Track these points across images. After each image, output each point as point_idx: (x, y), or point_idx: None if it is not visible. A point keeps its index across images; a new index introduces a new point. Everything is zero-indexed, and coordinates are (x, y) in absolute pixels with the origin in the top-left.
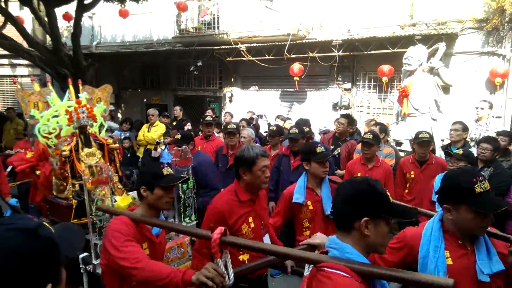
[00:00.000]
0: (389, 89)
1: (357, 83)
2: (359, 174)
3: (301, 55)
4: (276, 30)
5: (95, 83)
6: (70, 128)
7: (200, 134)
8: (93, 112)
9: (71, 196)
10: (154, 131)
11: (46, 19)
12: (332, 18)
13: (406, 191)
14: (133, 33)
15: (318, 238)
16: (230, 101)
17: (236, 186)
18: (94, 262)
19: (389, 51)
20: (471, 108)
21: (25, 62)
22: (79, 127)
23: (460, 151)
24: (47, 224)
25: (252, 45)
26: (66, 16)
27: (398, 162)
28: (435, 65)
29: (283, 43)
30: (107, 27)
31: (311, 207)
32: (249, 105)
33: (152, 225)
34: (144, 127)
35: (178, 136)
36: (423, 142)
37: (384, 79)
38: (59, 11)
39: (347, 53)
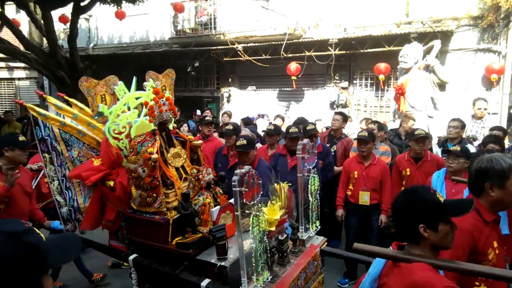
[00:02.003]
0: (385, 87)
1: (354, 82)
2: (356, 172)
3: (298, 54)
4: (273, 30)
5: None
6: (142, 124)
7: (198, 134)
8: (173, 105)
9: (164, 209)
10: None
11: (42, 21)
12: (328, 17)
13: (402, 188)
14: (130, 35)
15: None
16: (228, 101)
17: (477, 204)
18: None
19: (385, 49)
20: (467, 105)
21: (22, 65)
22: (160, 123)
23: (458, 148)
24: (37, 230)
25: (249, 45)
26: (63, 19)
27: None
28: (430, 63)
29: (279, 42)
30: (103, 29)
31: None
32: (247, 105)
33: (453, 270)
34: None
35: (244, 141)
36: (419, 138)
37: (381, 77)
38: (56, 14)
39: (344, 52)
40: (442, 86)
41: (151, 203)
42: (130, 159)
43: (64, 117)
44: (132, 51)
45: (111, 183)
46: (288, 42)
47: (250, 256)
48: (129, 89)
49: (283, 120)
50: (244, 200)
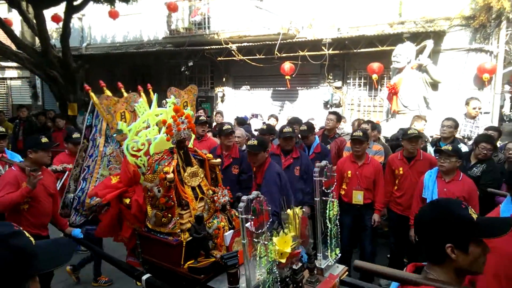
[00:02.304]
0: (379, 87)
1: (348, 81)
2: (349, 172)
3: (292, 54)
4: (267, 30)
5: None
6: (162, 141)
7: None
8: (192, 123)
9: (178, 231)
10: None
11: (34, 21)
12: (321, 17)
13: (396, 187)
14: (123, 34)
15: None
16: (222, 101)
17: None
18: None
19: (378, 49)
20: (459, 104)
21: (14, 64)
22: (178, 141)
23: (450, 147)
24: (27, 234)
25: (242, 44)
26: (55, 18)
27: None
28: (423, 62)
29: (273, 42)
30: (97, 28)
31: None
32: (241, 105)
33: None
34: None
35: (255, 142)
36: (412, 138)
37: (374, 76)
38: (48, 13)
39: (337, 52)
40: (434, 85)
41: (165, 223)
42: (147, 177)
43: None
44: (125, 50)
45: (128, 200)
46: (282, 42)
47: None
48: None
49: (277, 120)
50: (251, 228)
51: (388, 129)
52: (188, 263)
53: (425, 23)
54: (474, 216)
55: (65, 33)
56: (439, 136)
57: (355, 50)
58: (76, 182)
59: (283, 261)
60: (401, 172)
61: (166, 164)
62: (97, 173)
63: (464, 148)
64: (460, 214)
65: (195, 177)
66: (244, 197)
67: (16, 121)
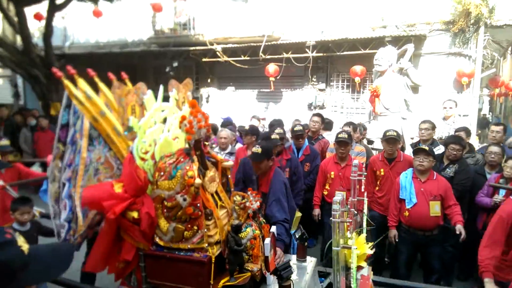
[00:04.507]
0: (361, 89)
1: (331, 84)
2: (332, 173)
3: (276, 56)
4: (251, 31)
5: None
6: (166, 142)
7: None
8: (208, 121)
9: (205, 245)
10: None
11: (16, 18)
12: (305, 19)
13: (377, 188)
14: (107, 34)
15: None
16: (207, 101)
17: None
18: None
19: (361, 52)
20: (439, 107)
21: None
22: (196, 141)
23: (427, 147)
24: (21, 242)
25: (227, 46)
26: (37, 16)
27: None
28: (404, 66)
29: (258, 44)
30: (80, 28)
31: None
32: (226, 106)
33: None
34: None
35: (259, 150)
36: (390, 140)
37: (357, 79)
38: (30, 11)
39: (321, 54)
40: (415, 88)
41: (188, 237)
42: (161, 184)
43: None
44: (109, 50)
45: (135, 214)
46: (266, 43)
47: None
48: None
49: (259, 121)
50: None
51: (370, 131)
52: (223, 281)
53: (406, 27)
54: None
55: (48, 31)
56: (418, 139)
57: (338, 53)
58: (58, 203)
59: (364, 264)
60: (382, 173)
61: (187, 167)
62: (80, 186)
63: (442, 149)
64: None
65: (213, 182)
66: (337, 198)
67: None
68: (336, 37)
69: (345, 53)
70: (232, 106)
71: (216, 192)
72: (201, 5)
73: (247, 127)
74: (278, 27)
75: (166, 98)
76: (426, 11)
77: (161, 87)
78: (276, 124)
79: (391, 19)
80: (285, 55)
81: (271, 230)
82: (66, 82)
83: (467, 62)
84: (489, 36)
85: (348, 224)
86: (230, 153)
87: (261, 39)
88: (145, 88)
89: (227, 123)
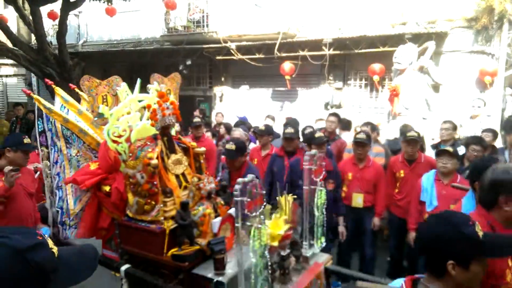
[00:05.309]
0: (380, 88)
1: (348, 82)
2: (350, 174)
3: (292, 54)
4: (266, 29)
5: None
6: (144, 128)
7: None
8: (177, 109)
9: (162, 218)
10: None
11: (31, 18)
12: (322, 16)
13: (396, 190)
14: (120, 32)
15: None
16: (221, 100)
17: (489, 217)
18: None
19: (379, 49)
20: (461, 107)
21: (10, 61)
22: (162, 127)
23: (451, 149)
24: (51, 245)
25: (242, 43)
26: (52, 15)
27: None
28: (425, 64)
29: (273, 41)
30: (93, 26)
31: None
32: (240, 105)
33: None
34: None
35: (233, 147)
36: (410, 141)
37: (375, 78)
38: (44, 10)
39: (338, 52)
40: (436, 87)
41: (148, 211)
42: (128, 164)
43: (68, 112)
44: (122, 48)
45: (107, 188)
46: (282, 41)
47: (250, 272)
48: (132, 91)
49: (274, 120)
50: (246, 211)
51: (389, 131)
52: (172, 251)
53: (427, 24)
54: (481, 233)
55: (62, 30)
56: (439, 140)
57: (356, 51)
58: (53, 194)
59: (275, 244)
60: (402, 175)
61: (149, 150)
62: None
63: (463, 150)
64: (466, 232)
65: (179, 164)
66: (240, 180)
67: (13, 119)
68: (354, 34)
69: (363, 50)
70: (246, 105)
71: (183, 174)
72: (215, 2)
73: (261, 127)
74: (293, 24)
75: None
76: (447, 7)
77: (138, 80)
78: (292, 123)
79: (411, 15)
80: (301, 53)
81: (229, 212)
82: (35, 96)
83: (490, 61)
84: None
85: (247, 203)
86: None
87: (276, 37)
88: (119, 81)
89: (240, 122)
